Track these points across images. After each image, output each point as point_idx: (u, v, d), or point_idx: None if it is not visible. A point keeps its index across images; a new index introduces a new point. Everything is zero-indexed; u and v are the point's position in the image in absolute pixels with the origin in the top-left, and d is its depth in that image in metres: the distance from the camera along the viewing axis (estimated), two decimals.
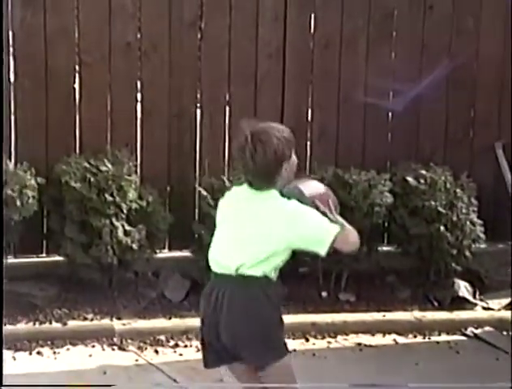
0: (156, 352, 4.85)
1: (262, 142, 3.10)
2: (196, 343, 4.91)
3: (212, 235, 5.38)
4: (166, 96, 5.82)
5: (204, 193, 5.60)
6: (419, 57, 6.09)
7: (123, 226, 5.28)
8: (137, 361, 4.75)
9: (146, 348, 4.87)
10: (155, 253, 5.56)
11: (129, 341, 4.91)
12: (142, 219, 5.41)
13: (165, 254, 5.81)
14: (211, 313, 3.24)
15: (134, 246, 5.30)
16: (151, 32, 5.76)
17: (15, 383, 3.82)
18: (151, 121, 5.83)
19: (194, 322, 5.14)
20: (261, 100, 6.01)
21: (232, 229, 3.26)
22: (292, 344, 4.84)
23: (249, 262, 3.18)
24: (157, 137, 5.84)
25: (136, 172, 5.62)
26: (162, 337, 4.97)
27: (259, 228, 3.18)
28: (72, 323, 4.99)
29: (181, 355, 4.83)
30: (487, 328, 5.32)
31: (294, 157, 3.24)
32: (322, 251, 3.17)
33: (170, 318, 5.20)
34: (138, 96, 5.85)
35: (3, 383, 3.50)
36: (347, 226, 3.24)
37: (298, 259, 5.85)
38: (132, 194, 5.37)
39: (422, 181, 5.80)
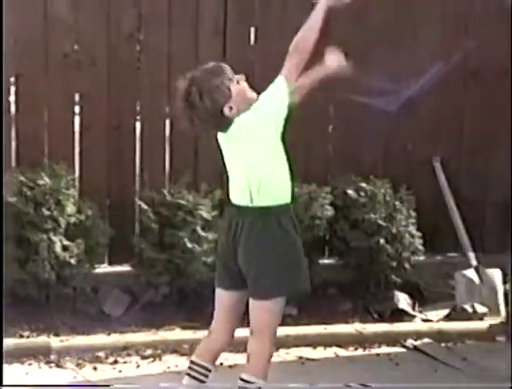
0: (95, 368, 4.73)
1: (191, 105, 3.30)
2: (136, 358, 4.83)
3: (152, 248, 5.46)
4: (105, 108, 5.72)
5: (145, 206, 5.52)
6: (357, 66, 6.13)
7: (61, 241, 5.16)
8: (75, 378, 4.61)
9: (84, 366, 4.74)
10: (94, 268, 5.45)
11: (66, 358, 4.79)
12: (81, 233, 5.29)
13: (105, 268, 5.69)
14: (232, 238, 3.36)
15: (73, 261, 5.18)
16: (89, 43, 5.65)
17: None
18: (90, 134, 5.72)
19: (134, 337, 5.08)
20: None
21: (233, 171, 3.41)
22: (233, 358, 4.80)
23: (259, 187, 3.30)
24: (96, 150, 5.74)
25: (74, 185, 5.50)
26: (101, 353, 4.85)
27: (244, 155, 3.33)
28: (8, 341, 4.85)
29: (120, 372, 4.71)
30: (426, 340, 5.32)
31: (237, 87, 3.38)
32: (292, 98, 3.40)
33: (109, 334, 5.08)
34: (77, 108, 5.75)
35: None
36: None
37: None
38: (70, 209, 5.25)
39: (362, 193, 5.83)
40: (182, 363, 4.72)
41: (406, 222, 5.86)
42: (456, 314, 5.67)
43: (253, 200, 3.32)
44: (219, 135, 3.44)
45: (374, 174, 5.96)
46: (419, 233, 5.89)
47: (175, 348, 4.95)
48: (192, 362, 3.55)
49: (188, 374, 3.53)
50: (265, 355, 3.37)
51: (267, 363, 3.39)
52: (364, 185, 5.85)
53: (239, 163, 3.37)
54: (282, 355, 4.99)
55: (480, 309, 5.66)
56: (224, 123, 3.33)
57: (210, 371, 3.53)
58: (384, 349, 5.23)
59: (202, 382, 3.48)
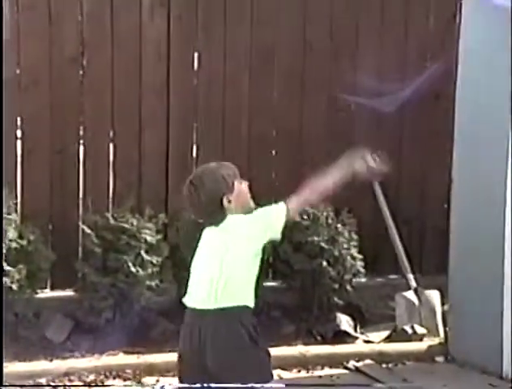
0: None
1: (196, 186, 3.35)
2: (79, 384, 4.78)
3: (96, 273, 5.42)
4: (47, 132, 5.67)
5: (88, 230, 5.47)
6: (299, 92, 6.22)
7: (1, 266, 5.10)
8: None
9: None
10: (36, 293, 5.38)
11: (7, 384, 4.71)
12: (22, 258, 5.22)
13: (47, 293, 5.63)
14: (196, 345, 3.31)
15: (14, 287, 5.11)
16: (32, 66, 5.62)
17: None
18: (32, 158, 5.65)
19: (76, 362, 5.01)
20: (145, 136, 5.96)
21: (205, 266, 3.39)
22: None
23: (224, 292, 3.30)
24: (38, 174, 5.67)
25: (16, 210, 5.44)
26: (43, 380, 4.78)
27: (226, 252, 3.32)
28: None
29: None
30: (367, 361, 5.35)
31: (240, 186, 3.39)
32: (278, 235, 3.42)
33: (51, 360, 5.02)
34: (19, 132, 5.70)
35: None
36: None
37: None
38: (12, 234, 5.19)
39: (305, 216, 5.87)
40: (125, 387, 4.73)
41: (348, 245, 5.90)
42: (396, 335, 5.72)
43: (216, 301, 3.31)
44: (208, 229, 3.43)
45: None
46: (360, 256, 5.94)
47: (118, 372, 4.91)
48: None
49: None
50: None
51: None
52: (306, 208, 5.89)
53: (215, 260, 3.34)
54: None
55: (420, 330, 5.71)
56: (219, 214, 3.36)
57: None
58: (327, 371, 5.24)
59: None
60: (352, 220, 5.99)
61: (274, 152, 6.23)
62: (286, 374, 5.14)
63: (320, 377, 5.15)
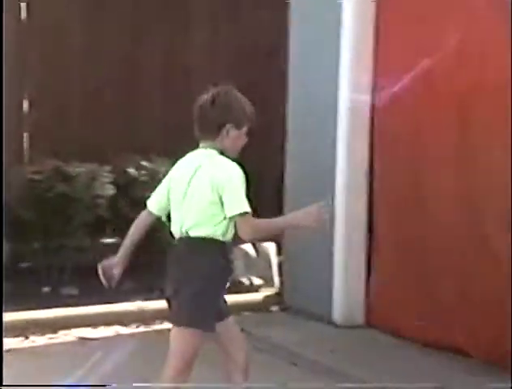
0: None
1: (216, 96, 3.22)
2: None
3: None
4: None
5: None
6: None
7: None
8: None
9: None
10: None
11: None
12: None
13: None
14: (171, 268, 3.34)
15: None
16: None
17: None
18: None
19: None
20: None
21: (180, 193, 3.30)
22: (10, 342, 4.61)
23: (192, 223, 3.22)
24: None
25: None
26: None
27: (198, 188, 3.22)
28: None
29: None
30: None
31: (243, 135, 3.26)
32: (229, 213, 3.18)
33: None
34: None
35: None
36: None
37: (19, 254, 5.64)
38: None
39: (143, 172, 5.81)
40: None
41: None
42: (234, 287, 5.78)
43: (182, 230, 3.28)
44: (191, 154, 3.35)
45: (155, 152, 5.94)
46: None
47: None
48: None
49: None
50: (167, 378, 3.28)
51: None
52: (144, 163, 5.83)
53: (182, 189, 3.29)
54: (62, 336, 4.88)
55: (256, 281, 5.82)
56: (211, 137, 3.23)
57: None
58: (166, 325, 5.22)
59: None
60: None
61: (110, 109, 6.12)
62: (124, 330, 5.08)
63: (159, 331, 5.12)
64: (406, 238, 4.83)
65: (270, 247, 6.05)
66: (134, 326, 5.16)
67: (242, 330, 5.01)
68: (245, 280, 5.79)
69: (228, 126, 3.21)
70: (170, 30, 6.26)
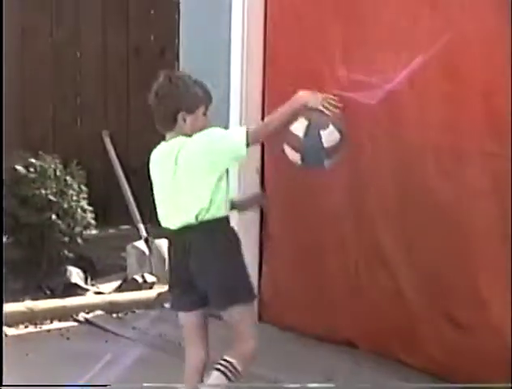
0: None
1: (160, 88, 3.20)
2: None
3: None
4: None
5: None
6: None
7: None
8: None
9: None
10: None
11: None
12: None
13: None
14: (181, 262, 3.29)
15: None
16: None
17: None
18: None
19: None
20: None
21: (169, 184, 3.24)
22: None
23: (197, 210, 3.18)
24: None
25: None
26: None
27: (188, 174, 3.17)
28: None
29: None
30: (98, 312, 5.26)
31: (200, 116, 3.20)
32: (243, 152, 3.17)
33: None
34: None
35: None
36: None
37: None
38: None
39: (32, 169, 5.71)
40: None
41: (77, 197, 5.81)
42: (127, 285, 5.71)
43: (180, 218, 3.25)
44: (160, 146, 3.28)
45: (44, 150, 5.84)
46: (90, 208, 5.86)
47: None
48: None
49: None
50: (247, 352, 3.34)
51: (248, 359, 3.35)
52: (33, 160, 5.73)
53: (168, 178, 3.24)
54: None
55: (150, 278, 5.75)
56: (171, 128, 3.20)
57: None
58: (56, 325, 5.09)
59: None
60: (81, 172, 5.88)
61: None
62: (12, 331, 4.94)
63: (48, 331, 4.99)
64: (297, 236, 4.85)
65: (164, 244, 5.99)
66: (22, 326, 5.02)
67: (134, 328, 5.02)
68: (138, 278, 5.73)
69: (180, 114, 3.17)
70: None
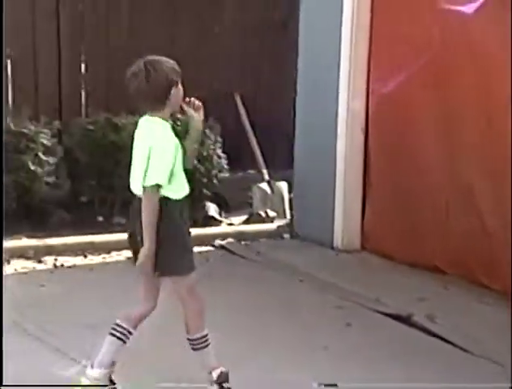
0: None
1: (155, 67, 2.94)
2: None
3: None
4: None
5: None
6: None
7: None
8: None
9: None
10: None
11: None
12: None
13: None
14: (136, 225, 2.99)
15: None
16: None
17: None
18: None
19: None
20: (40, 54, 5.78)
21: (133, 158, 3.05)
22: (73, 260, 4.79)
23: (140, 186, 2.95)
24: None
25: None
26: None
27: (140, 154, 2.96)
28: None
29: None
30: (229, 239, 5.41)
31: (180, 87, 2.99)
32: (145, 183, 2.93)
33: None
34: None
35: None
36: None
37: (77, 190, 5.79)
38: None
39: (178, 123, 5.74)
40: (27, 265, 4.70)
41: (214, 146, 5.90)
42: (253, 218, 5.85)
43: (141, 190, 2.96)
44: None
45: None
46: (224, 155, 5.96)
47: (21, 253, 4.86)
48: (117, 325, 3.09)
49: (112, 335, 3.09)
50: (196, 313, 3.09)
51: (201, 317, 3.10)
52: (179, 115, 5.82)
53: (137, 150, 3.00)
54: (114, 256, 4.98)
55: (271, 213, 5.86)
56: (161, 103, 2.93)
57: (132, 334, 3.11)
58: (197, 249, 5.32)
59: (124, 342, 3.08)
60: (217, 125, 5.99)
61: None
62: None
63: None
64: (396, 175, 4.87)
65: (283, 185, 6.16)
66: None
67: (258, 253, 5.20)
68: (262, 213, 5.89)
69: (172, 92, 2.94)
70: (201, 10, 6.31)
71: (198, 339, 3.08)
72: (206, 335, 3.09)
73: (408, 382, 3.32)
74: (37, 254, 4.88)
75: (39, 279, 4.47)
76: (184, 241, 3.07)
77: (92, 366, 3.07)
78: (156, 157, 2.94)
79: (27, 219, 5.36)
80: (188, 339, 3.09)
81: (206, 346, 3.08)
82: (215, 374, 3.09)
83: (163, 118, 2.99)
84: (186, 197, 3.10)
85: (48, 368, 3.28)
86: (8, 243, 4.97)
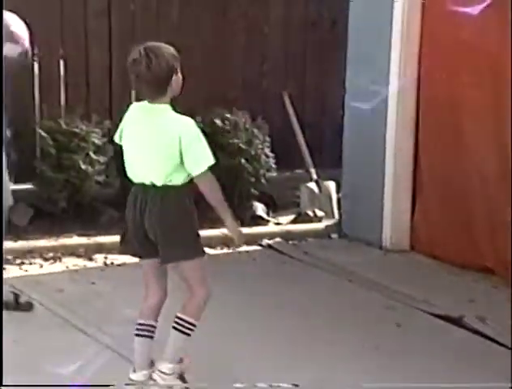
0: (4, 269, 4.65)
1: (156, 54, 2.89)
2: (39, 260, 4.76)
3: (52, 170, 5.36)
4: None
5: (44, 134, 5.40)
6: None
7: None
8: None
9: None
10: None
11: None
12: None
13: (12, 187, 5.56)
14: (138, 214, 2.99)
15: None
16: None
17: None
18: None
19: (37, 243, 5.00)
20: (92, 54, 5.84)
21: (139, 146, 2.98)
22: (122, 258, 4.71)
23: (159, 175, 2.93)
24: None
25: None
26: (9, 257, 4.77)
27: (161, 142, 2.90)
28: None
29: (26, 271, 4.68)
30: (277, 239, 5.41)
31: (180, 74, 2.96)
32: (194, 172, 2.95)
33: (16, 241, 4.98)
34: None
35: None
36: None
37: (128, 189, 5.81)
38: None
39: (227, 122, 5.87)
40: (79, 263, 4.74)
41: (262, 145, 5.90)
42: (300, 218, 5.84)
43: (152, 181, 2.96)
44: (137, 105, 3.00)
45: (237, 107, 5.99)
46: (272, 154, 5.95)
47: (73, 251, 4.91)
48: (139, 324, 3.09)
49: (137, 335, 3.08)
50: (200, 302, 3.06)
51: (202, 308, 3.07)
52: (228, 115, 5.89)
53: (145, 140, 2.96)
54: None
55: (319, 213, 5.83)
56: (163, 90, 2.90)
57: (155, 327, 3.10)
58: (244, 248, 5.31)
59: (151, 338, 3.07)
60: (265, 124, 6.00)
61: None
62: (211, 251, 5.21)
63: (239, 253, 5.19)
64: (447, 175, 4.81)
65: (331, 185, 6.10)
66: (219, 248, 5.24)
67: (306, 253, 5.15)
68: (309, 212, 5.85)
69: (173, 79, 2.91)
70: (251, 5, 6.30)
71: (186, 322, 3.01)
72: (195, 326, 3.02)
73: (460, 383, 3.24)
74: (88, 252, 4.92)
75: (89, 277, 4.50)
76: (194, 225, 3.05)
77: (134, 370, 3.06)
78: (195, 142, 2.92)
79: (78, 217, 5.42)
80: (177, 316, 3.02)
81: (187, 334, 3.00)
82: (183, 365, 3.04)
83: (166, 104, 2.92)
84: (191, 182, 3.03)
85: (98, 366, 3.28)
86: (60, 241, 5.04)
